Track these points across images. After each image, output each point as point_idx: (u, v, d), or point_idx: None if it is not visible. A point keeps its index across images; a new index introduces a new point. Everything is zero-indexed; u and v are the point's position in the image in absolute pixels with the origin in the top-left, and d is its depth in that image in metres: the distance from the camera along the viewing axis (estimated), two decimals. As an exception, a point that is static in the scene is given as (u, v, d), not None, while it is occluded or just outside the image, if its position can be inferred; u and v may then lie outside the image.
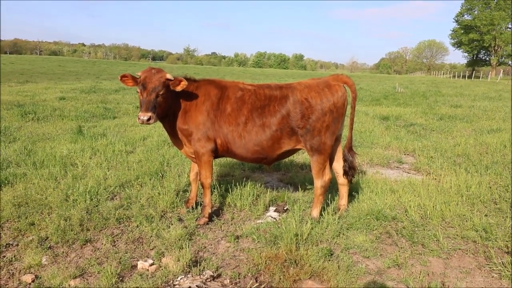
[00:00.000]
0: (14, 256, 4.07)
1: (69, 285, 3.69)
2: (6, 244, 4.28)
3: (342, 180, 5.09)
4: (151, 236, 4.57)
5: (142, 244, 4.43)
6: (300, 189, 5.99)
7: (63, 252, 4.21)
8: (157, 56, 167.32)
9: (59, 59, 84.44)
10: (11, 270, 3.86)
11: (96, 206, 5.21)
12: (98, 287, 3.63)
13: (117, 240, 4.50)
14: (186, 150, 4.96)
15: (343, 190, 5.13)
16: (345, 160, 5.05)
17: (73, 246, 4.34)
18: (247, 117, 4.61)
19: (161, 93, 4.40)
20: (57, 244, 4.34)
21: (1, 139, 8.62)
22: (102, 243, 4.40)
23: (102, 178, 6.18)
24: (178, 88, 4.47)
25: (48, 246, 4.27)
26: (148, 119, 4.28)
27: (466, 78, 66.47)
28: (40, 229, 4.57)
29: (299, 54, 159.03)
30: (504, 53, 77.62)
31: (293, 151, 4.95)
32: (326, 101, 4.58)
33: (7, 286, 3.66)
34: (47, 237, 4.43)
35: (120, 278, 3.79)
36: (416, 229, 4.77)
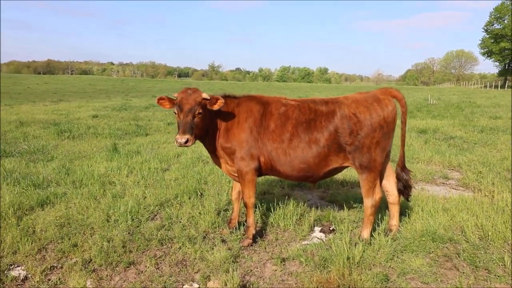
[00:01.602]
0: (59, 279, 4.00)
1: (115, 310, 3.57)
2: (51, 266, 4.22)
3: (392, 199, 4.82)
4: (195, 258, 4.42)
5: (186, 267, 4.28)
6: (345, 208, 5.73)
7: (107, 275, 4.11)
8: (182, 73, 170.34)
9: (90, 78, 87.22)
10: (57, 294, 3.78)
11: (138, 226, 5.13)
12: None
13: (161, 263, 4.37)
14: (228, 169, 4.82)
15: (394, 210, 4.85)
16: (399, 179, 4.79)
17: (117, 268, 4.23)
18: (292, 133, 4.44)
19: (197, 113, 4.31)
20: (100, 266, 4.24)
21: (40, 158, 8.77)
22: (146, 266, 4.29)
23: (141, 197, 6.12)
24: (215, 107, 4.37)
25: (92, 268, 4.18)
26: (186, 142, 4.19)
27: (499, 88, 64.31)
28: (83, 251, 4.50)
29: (323, 68, 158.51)
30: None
31: (340, 169, 4.73)
32: (375, 116, 4.37)
33: (53, 311, 3.57)
34: (91, 259, 4.35)
35: (167, 304, 3.65)
36: (477, 252, 4.42)
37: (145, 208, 5.62)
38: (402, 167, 4.82)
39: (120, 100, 28.07)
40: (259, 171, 4.67)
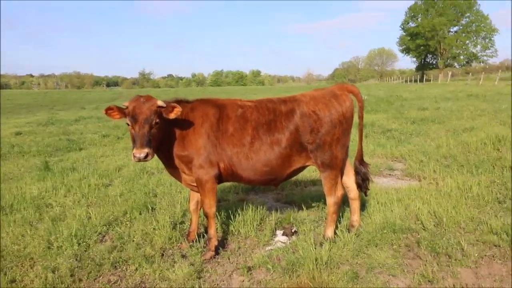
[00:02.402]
0: (-2, 323, 3.46)
1: None
2: (-14, 309, 3.66)
3: (353, 194, 4.84)
4: (155, 279, 4.08)
5: (146, 290, 3.94)
6: (303, 208, 5.68)
7: (55, 310, 3.64)
8: (111, 82, 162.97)
9: (7, 92, 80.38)
10: None
11: (86, 251, 4.64)
12: None
13: (116, 288, 3.98)
14: (186, 179, 4.52)
15: (355, 205, 4.87)
16: (357, 172, 4.81)
17: (66, 301, 3.78)
18: (252, 136, 4.27)
19: (154, 123, 3.96)
20: (47, 301, 3.76)
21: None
22: (100, 294, 3.87)
23: (85, 217, 5.59)
24: (172, 116, 4.05)
25: (37, 305, 3.69)
26: (146, 156, 3.84)
27: (418, 82, 69.41)
28: (24, 286, 3.96)
29: (256, 70, 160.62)
30: (450, 55, 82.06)
31: (301, 169, 4.64)
32: (335, 113, 4.34)
33: None
34: (34, 295, 3.84)
35: (129, 334, 3.29)
36: (435, 238, 4.56)
37: (91, 230, 5.11)
38: (360, 161, 4.85)
39: (45, 114, 26.05)
40: (219, 178, 4.44)
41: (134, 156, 3.83)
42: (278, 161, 4.32)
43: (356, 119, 4.70)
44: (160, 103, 4.01)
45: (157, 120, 3.97)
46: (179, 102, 4.44)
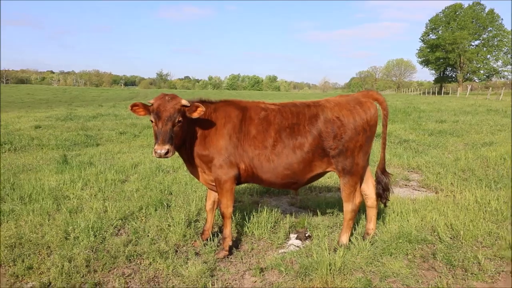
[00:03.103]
0: (15, 308, 3.53)
1: None
2: (4, 294, 3.74)
3: (371, 202, 4.80)
4: (168, 274, 4.12)
5: (159, 284, 3.98)
6: (318, 213, 5.67)
7: (70, 299, 3.70)
8: (129, 81, 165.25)
9: (28, 87, 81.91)
10: (13, 326, 3.33)
11: (102, 243, 4.71)
12: None
13: (130, 281, 4.03)
14: (205, 178, 4.56)
15: (372, 213, 4.83)
16: (378, 182, 4.78)
17: (81, 291, 3.83)
18: (275, 139, 4.28)
19: (177, 121, 4.02)
20: (62, 290, 3.82)
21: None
22: (114, 286, 3.92)
23: (101, 210, 5.68)
24: (195, 115, 4.12)
25: (52, 293, 3.75)
26: (166, 153, 3.89)
27: (436, 94, 68.64)
28: (40, 274, 4.04)
29: (272, 76, 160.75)
30: (469, 69, 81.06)
31: (322, 174, 4.64)
32: (359, 119, 4.33)
33: None
34: (50, 283, 3.91)
35: (142, 327, 3.33)
36: (451, 251, 4.50)
37: (107, 223, 5.19)
38: (382, 170, 4.82)
39: (64, 109, 26.55)
40: (238, 179, 4.46)
41: (155, 152, 3.88)
42: (300, 165, 4.32)
43: (379, 127, 4.69)
44: (184, 102, 4.07)
45: (180, 119, 4.03)
46: (203, 102, 4.49)
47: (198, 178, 4.68)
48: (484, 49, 79.21)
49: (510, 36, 76.94)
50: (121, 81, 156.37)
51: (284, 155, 4.29)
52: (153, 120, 4.04)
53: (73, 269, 4.09)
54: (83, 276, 4.02)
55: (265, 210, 5.45)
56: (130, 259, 4.39)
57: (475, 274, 4.05)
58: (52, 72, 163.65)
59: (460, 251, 4.48)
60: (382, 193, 4.78)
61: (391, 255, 4.41)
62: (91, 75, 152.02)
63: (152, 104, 4.07)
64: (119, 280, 3.96)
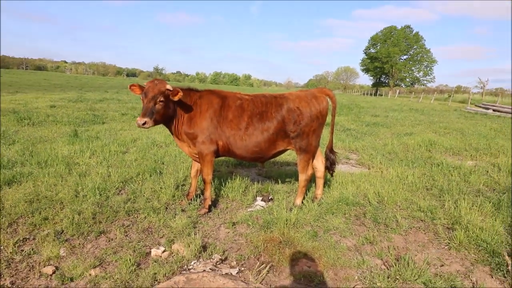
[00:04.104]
0: (32, 250, 3.43)
1: (90, 274, 3.15)
2: (23, 238, 3.61)
3: (319, 174, 4.90)
4: (159, 226, 4.10)
5: (152, 233, 3.95)
6: (279, 182, 5.74)
7: (79, 243, 3.63)
8: (130, 73, 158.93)
9: (44, 73, 77.52)
10: (31, 263, 3.24)
11: (106, 200, 4.61)
12: (119, 274, 3.13)
13: (129, 231, 3.98)
14: (190, 151, 4.51)
15: (320, 182, 4.94)
16: (327, 158, 4.87)
17: (88, 237, 3.76)
18: (247, 122, 4.27)
19: (159, 101, 3.97)
20: (73, 236, 3.74)
21: (1, 142, 7.53)
22: (115, 234, 3.87)
23: (106, 175, 5.52)
24: (176, 98, 4.06)
25: (64, 238, 3.67)
26: (144, 123, 3.86)
27: (373, 95, 70.10)
28: (55, 223, 3.93)
29: (247, 74, 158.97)
30: (398, 77, 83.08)
31: (283, 151, 4.68)
32: (314, 110, 4.37)
33: (28, 278, 3.05)
34: (63, 231, 3.81)
35: (137, 265, 3.32)
36: (377, 212, 4.70)
37: (111, 185, 5.07)
38: (330, 149, 4.91)
39: (75, 93, 25.29)
40: (217, 153, 4.45)
41: (136, 122, 3.87)
42: (266, 144, 4.35)
43: (329, 117, 4.76)
44: (168, 86, 4.02)
45: (162, 99, 3.98)
46: (190, 90, 4.42)
47: (185, 151, 4.64)
48: (410, 62, 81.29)
49: (429, 54, 79.31)
50: (124, 72, 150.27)
51: (254, 136, 4.29)
52: (141, 97, 4.00)
53: (82, 220, 4.00)
54: (90, 226, 3.95)
55: (238, 178, 5.47)
56: (129, 213, 4.33)
57: (393, 229, 4.25)
58: (66, 62, 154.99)
59: (384, 212, 4.68)
60: (330, 166, 4.90)
61: (332, 214, 4.55)
62: (99, 66, 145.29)
63: (145, 86, 4.01)
64: (119, 230, 3.91)
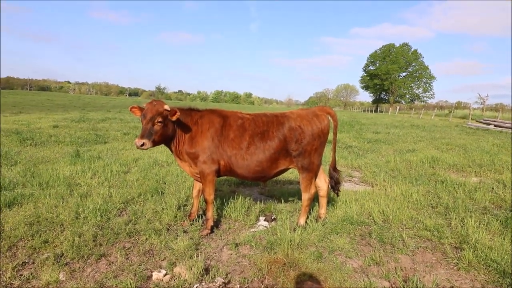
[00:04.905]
0: (31, 274, 3.36)
1: (89, 300, 3.07)
2: (22, 262, 3.55)
3: (323, 192, 4.84)
4: (161, 247, 4.02)
5: (153, 256, 3.87)
6: (282, 201, 5.68)
7: (79, 267, 3.56)
8: (132, 92, 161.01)
9: (48, 94, 78.53)
10: (29, 289, 3.16)
11: (107, 222, 4.55)
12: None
13: (130, 253, 3.90)
14: (191, 171, 4.48)
15: (323, 201, 4.88)
16: (331, 177, 4.83)
17: (89, 261, 3.69)
18: (249, 142, 4.26)
19: (157, 121, 4.00)
20: (72, 260, 3.67)
21: (2, 163, 7.53)
22: (116, 257, 3.79)
23: (107, 196, 5.48)
24: (174, 118, 4.10)
25: (64, 262, 3.60)
26: (142, 145, 3.89)
27: (373, 112, 70.51)
28: (54, 246, 3.86)
29: (248, 92, 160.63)
30: (398, 94, 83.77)
31: (285, 170, 4.65)
32: (315, 128, 4.37)
33: (25, 305, 2.96)
34: (63, 254, 3.74)
35: (138, 290, 3.23)
36: (383, 231, 4.61)
37: (112, 205, 5.03)
38: (333, 168, 4.87)
39: (78, 113, 25.54)
40: (218, 173, 4.42)
41: (135, 143, 3.88)
42: (268, 163, 4.32)
43: (330, 135, 4.75)
44: (166, 107, 4.04)
45: (160, 120, 4.00)
46: (192, 110, 4.45)
47: (186, 171, 4.61)
48: (409, 79, 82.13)
49: (428, 70, 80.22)
50: (126, 92, 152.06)
51: (255, 155, 4.28)
52: (141, 118, 4.03)
53: (82, 243, 3.94)
54: (90, 248, 3.88)
55: (240, 197, 5.42)
56: (130, 235, 4.26)
57: (400, 249, 4.16)
58: (69, 82, 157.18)
59: (390, 231, 4.60)
60: (335, 185, 4.85)
61: (337, 234, 4.47)
62: (101, 86, 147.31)
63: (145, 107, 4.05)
64: (120, 252, 3.84)
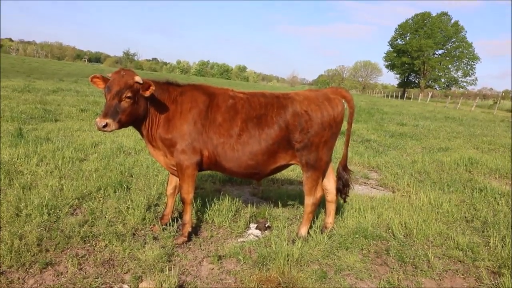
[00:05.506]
0: (-44, 285, 3.35)
1: (30, 319, 3.08)
2: None
3: (331, 197, 4.89)
4: (124, 257, 4.04)
5: (114, 267, 3.89)
6: (279, 205, 5.72)
7: (19, 278, 3.57)
8: (93, 58, 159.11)
9: (-18, 53, 77.29)
10: (-46, 303, 3.16)
11: (56, 222, 4.55)
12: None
13: (84, 263, 3.91)
14: (166, 162, 4.47)
15: (331, 208, 4.93)
16: (339, 178, 4.87)
17: (31, 270, 3.69)
18: (241, 128, 4.25)
19: (125, 97, 3.94)
20: (10, 268, 3.67)
21: None
22: (66, 266, 3.80)
23: (57, 188, 5.46)
24: (147, 93, 4.05)
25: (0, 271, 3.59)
26: (105, 125, 3.83)
27: (399, 98, 70.95)
28: (-13, 250, 3.84)
29: (242, 66, 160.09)
30: (432, 77, 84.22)
31: (285, 167, 4.67)
32: (326, 115, 4.37)
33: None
34: (-3, 260, 3.73)
35: (93, 309, 3.25)
36: (404, 248, 4.68)
37: (63, 201, 5.01)
38: (344, 166, 4.90)
39: (21, 81, 25.16)
40: (200, 166, 4.41)
41: (96, 124, 3.84)
42: (264, 156, 4.33)
43: (344, 125, 4.77)
44: (137, 79, 3.99)
45: (129, 95, 3.95)
46: (169, 84, 4.43)
47: (160, 161, 4.59)
48: (447, 58, 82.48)
49: (471, 49, 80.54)
50: (85, 57, 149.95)
51: (249, 145, 4.27)
52: (104, 92, 3.98)
53: (23, 247, 3.93)
54: (34, 255, 3.88)
55: (227, 198, 5.44)
56: (85, 240, 4.27)
57: (424, 271, 4.24)
58: (11, 40, 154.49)
59: (412, 249, 4.67)
60: (342, 188, 4.89)
61: (347, 249, 4.53)
62: (53, 47, 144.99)
63: (110, 78, 4.01)
64: (72, 261, 3.84)
